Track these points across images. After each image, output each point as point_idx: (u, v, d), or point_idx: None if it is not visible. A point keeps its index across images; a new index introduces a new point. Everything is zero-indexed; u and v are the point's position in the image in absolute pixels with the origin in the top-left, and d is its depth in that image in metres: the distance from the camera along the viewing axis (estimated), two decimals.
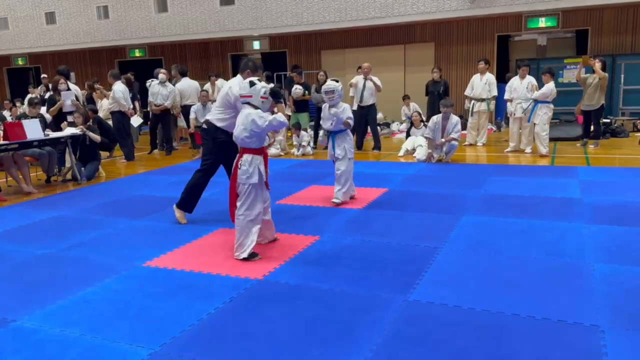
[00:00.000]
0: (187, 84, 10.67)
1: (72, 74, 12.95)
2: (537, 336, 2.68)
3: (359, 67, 10.12)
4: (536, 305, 3.02)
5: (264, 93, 3.95)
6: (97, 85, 11.00)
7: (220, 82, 11.59)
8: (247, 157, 3.93)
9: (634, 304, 3.01)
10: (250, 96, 3.94)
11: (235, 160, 4.02)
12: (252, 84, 3.96)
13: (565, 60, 13.03)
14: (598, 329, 2.72)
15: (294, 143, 10.05)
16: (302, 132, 9.87)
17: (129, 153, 9.66)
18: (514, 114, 9.00)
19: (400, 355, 2.55)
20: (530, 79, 8.89)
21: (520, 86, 8.89)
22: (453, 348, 2.60)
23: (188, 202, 5.15)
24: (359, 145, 9.99)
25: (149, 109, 10.86)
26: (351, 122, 5.55)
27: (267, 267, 3.78)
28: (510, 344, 2.62)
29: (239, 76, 4.80)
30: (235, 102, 4.66)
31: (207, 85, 11.94)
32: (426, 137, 8.39)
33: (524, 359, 2.48)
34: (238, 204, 4.00)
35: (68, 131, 7.76)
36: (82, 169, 7.83)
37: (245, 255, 3.95)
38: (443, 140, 8.13)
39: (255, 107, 3.94)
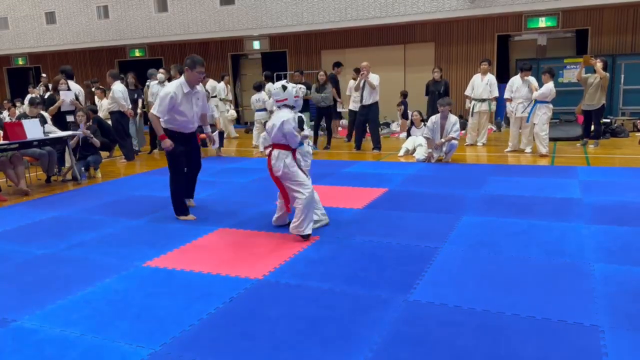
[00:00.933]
0: None
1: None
2: (537, 336, 2.68)
3: (356, 69, 10.28)
4: (536, 305, 3.02)
5: (296, 92, 4.47)
6: (99, 85, 11.00)
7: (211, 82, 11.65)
8: (275, 152, 4.44)
9: (634, 304, 3.01)
10: (286, 99, 4.45)
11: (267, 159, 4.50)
12: (284, 88, 4.44)
13: (565, 60, 13.02)
14: (598, 329, 2.72)
15: None
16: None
17: (128, 153, 9.66)
18: (515, 114, 8.99)
19: (400, 355, 2.55)
20: (531, 79, 8.88)
21: (521, 86, 8.88)
22: (453, 348, 2.60)
23: (177, 207, 5.30)
24: (358, 145, 9.97)
25: (146, 109, 10.86)
26: (309, 133, 5.09)
27: (267, 267, 3.78)
28: (510, 344, 2.62)
29: (180, 79, 5.06)
30: (176, 106, 4.97)
31: (221, 85, 12.15)
32: (425, 137, 8.39)
33: (524, 359, 2.48)
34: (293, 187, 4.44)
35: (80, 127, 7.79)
36: (82, 168, 7.83)
37: (308, 232, 4.38)
38: (442, 140, 8.13)
39: (292, 107, 4.46)
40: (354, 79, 10.80)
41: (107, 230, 5.00)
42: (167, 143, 5.01)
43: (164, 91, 4.96)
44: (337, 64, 11.61)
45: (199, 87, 5.20)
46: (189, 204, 5.54)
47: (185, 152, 5.24)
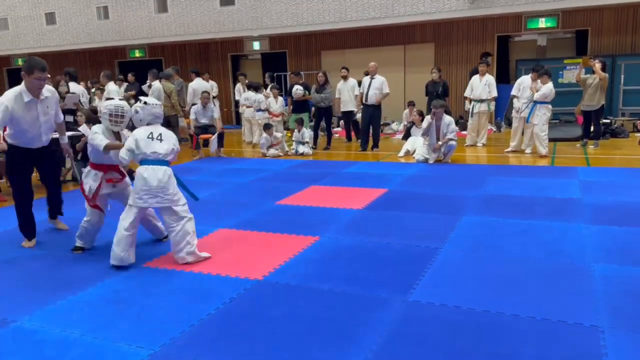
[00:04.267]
0: (200, 84, 10.91)
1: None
2: (537, 336, 2.68)
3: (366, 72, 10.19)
4: (536, 305, 3.02)
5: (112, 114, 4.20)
6: (98, 86, 11.03)
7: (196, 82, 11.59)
8: (87, 169, 4.40)
9: (634, 304, 3.01)
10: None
11: None
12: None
13: (565, 60, 13.02)
14: (598, 329, 2.72)
15: (293, 138, 10.06)
16: (304, 129, 9.87)
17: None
18: (520, 113, 8.91)
19: (400, 355, 2.55)
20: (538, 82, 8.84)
21: (529, 86, 8.79)
22: (453, 348, 2.60)
23: (21, 229, 4.70)
24: (364, 146, 9.94)
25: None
26: (173, 154, 3.96)
27: (267, 268, 3.78)
28: (510, 344, 2.62)
29: (20, 86, 4.25)
30: (16, 119, 4.18)
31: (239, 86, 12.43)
32: (423, 138, 8.40)
33: (524, 359, 2.48)
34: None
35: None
36: (83, 168, 7.82)
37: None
38: (440, 142, 8.13)
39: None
40: (343, 77, 10.78)
41: (106, 230, 4.99)
42: None
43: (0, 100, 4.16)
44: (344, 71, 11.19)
45: (49, 92, 4.43)
46: (58, 225, 5.12)
47: (40, 169, 4.78)
